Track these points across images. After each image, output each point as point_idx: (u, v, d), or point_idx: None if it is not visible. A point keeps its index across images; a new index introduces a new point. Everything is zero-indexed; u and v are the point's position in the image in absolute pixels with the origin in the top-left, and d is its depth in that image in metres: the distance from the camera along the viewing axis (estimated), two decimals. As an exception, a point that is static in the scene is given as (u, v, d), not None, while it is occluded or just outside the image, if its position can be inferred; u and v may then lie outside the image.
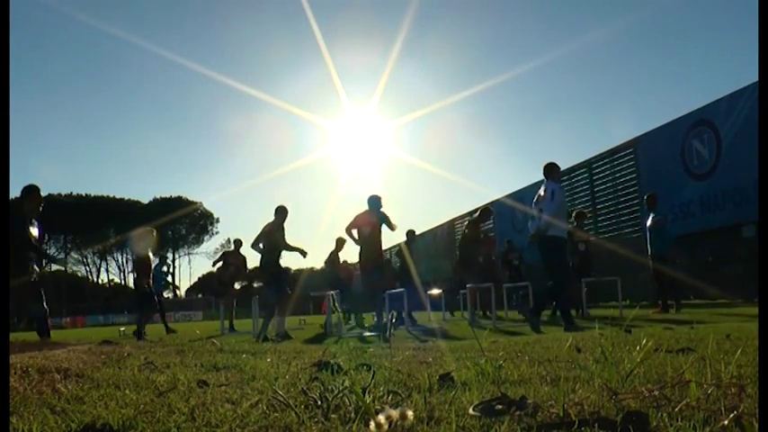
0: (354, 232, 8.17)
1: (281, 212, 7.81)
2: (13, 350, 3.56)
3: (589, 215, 13.49)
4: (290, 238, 7.84)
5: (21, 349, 3.89)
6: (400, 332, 7.12)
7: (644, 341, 2.08)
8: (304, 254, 7.75)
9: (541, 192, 6.21)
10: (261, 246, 7.75)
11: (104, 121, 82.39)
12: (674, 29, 72.71)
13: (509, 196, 17.39)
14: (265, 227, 7.77)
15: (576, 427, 1.13)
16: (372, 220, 8.03)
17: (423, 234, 22.83)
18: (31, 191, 6.05)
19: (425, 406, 1.39)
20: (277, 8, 77.56)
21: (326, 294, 8.69)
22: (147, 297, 9.22)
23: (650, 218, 8.19)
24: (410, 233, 10.38)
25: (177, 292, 58.43)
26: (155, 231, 9.65)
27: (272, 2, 78.01)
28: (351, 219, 8.23)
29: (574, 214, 10.03)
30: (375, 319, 8.79)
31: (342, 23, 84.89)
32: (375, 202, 8.10)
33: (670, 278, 8.08)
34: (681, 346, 2.58)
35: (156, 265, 13.38)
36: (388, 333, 3.31)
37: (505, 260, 12.30)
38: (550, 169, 6.24)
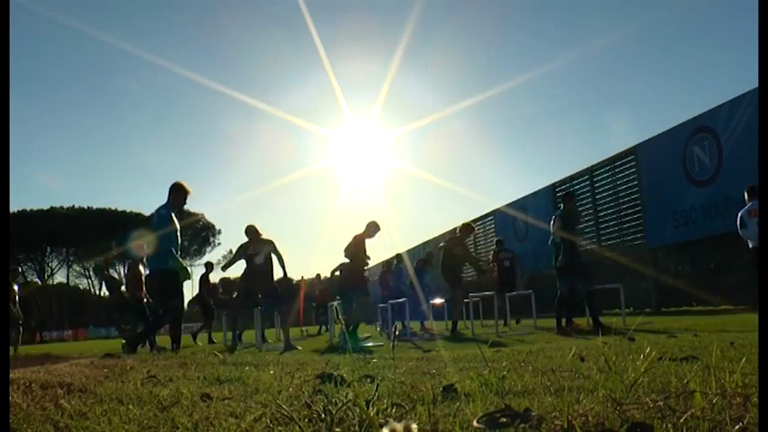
0: None
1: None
2: (15, 365, 3.56)
3: (591, 222, 13.49)
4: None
5: (23, 364, 3.89)
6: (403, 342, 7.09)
7: (647, 350, 2.08)
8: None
9: (753, 208, 7.55)
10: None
11: (105, 134, 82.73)
12: (673, 36, 73.03)
13: (510, 205, 17.36)
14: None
15: (580, 439, 1.13)
16: None
17: (426, 243, 22.82)
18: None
19: (429, 419, 1.39)
20: (277, 17, 78.07)
21: (330, 305, 8.69)
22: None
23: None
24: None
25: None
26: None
27: (273, 10, 78.50)
28: (352, 229, 8.34)
29: (459, 228, 9.22)
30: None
31: (342, 33, 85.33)
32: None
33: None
34: (685, 355, 2.57)
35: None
36: (392, 344, 3.30)
37: (496, 260, 11.84)
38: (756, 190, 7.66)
